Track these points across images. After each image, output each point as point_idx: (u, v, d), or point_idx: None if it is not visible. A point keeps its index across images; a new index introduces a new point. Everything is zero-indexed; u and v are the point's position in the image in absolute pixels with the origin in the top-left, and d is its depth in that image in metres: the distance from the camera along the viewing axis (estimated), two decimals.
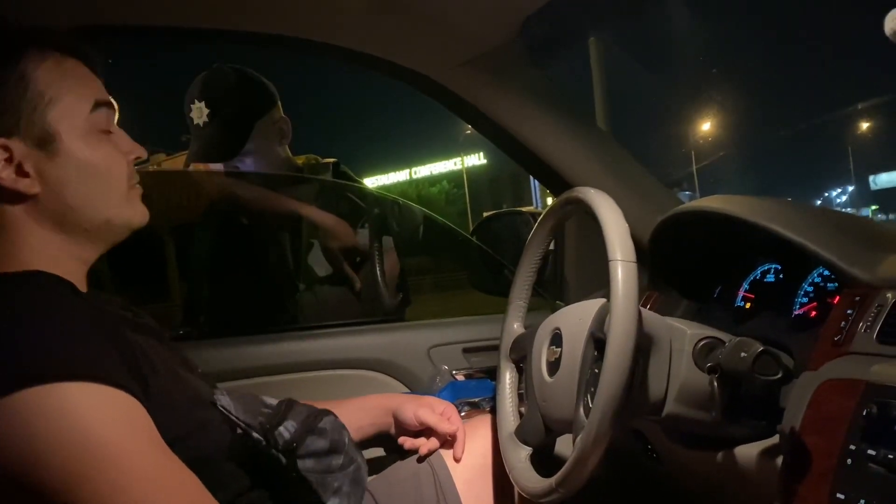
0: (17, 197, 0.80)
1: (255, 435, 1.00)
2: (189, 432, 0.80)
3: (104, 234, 0.87)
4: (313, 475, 1.01)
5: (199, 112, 1.65)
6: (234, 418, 1.01)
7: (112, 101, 0.87)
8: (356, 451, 1.08)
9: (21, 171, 0.79)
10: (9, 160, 0.78)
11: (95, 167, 0.84)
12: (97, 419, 0.67)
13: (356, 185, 1.91)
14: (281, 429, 1.01)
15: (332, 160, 1.86)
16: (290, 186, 1.79)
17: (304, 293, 1.77)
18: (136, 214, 0.89)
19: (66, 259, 0.84)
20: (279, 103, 1.74)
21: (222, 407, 1.00)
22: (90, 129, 0.84)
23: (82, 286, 0.86)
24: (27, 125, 0.79)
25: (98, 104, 0.84)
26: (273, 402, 1.06)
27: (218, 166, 1.72)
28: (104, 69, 0.89)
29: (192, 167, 1.71)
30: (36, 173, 0.80)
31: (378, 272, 1.73)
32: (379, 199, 1.88)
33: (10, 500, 0.66)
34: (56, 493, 0.64)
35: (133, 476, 0.67)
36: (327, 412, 1.07)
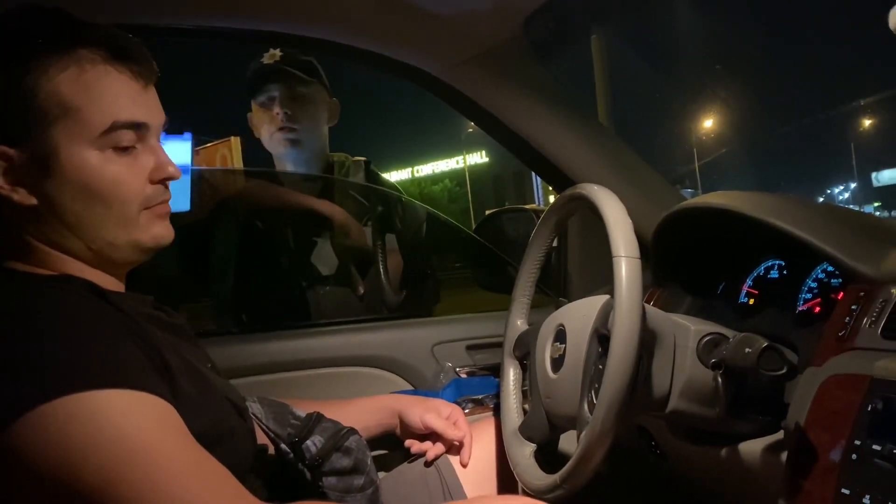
0: (17, 206, 0.77)
1: (283, 446, 1.00)
2: (218, 437, 0.80)
3: (113, 253, 0.82)
4: (334, 493, 1.02)
5: (271, 56, 1.71)
6: (264, 427, 1.01)
7: (140, 120, 0.81)
8: (376, 473, 1.09)
9: (18, 181, 0.76)
10: (8, 169, 0.76)
11: (95, 190, 0.78)
12: (129, 421, 0.67)
13: (386, 186, 1.92)
14: (308, 442, 1.02)
15: (362, 159, 1.87)
16: (309, 183, 1.80)
17: (320, 291, 1.77)
18: (147, 237, 0.83)
19: (90, 265, 0.82)
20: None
21: (253, 415, 1.00)
22: (102, 147, 0.78)
23: (118, 286, 0.85)
24: (29, 137, 0.75)
25: (117, 126, 0.78)
26: (301, 414, 1.07)
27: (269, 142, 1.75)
28: (154, 73, 0.83)
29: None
30: (31, 186, 0.76)
31: (382, 270, 1.73)
32: (401, 199, 1.89)
33: None
34: (96, 495, 0.65)
35: (169, 472, 0.67)
36: (353, 431, 1.07)
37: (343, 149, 1.89)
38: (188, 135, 1.25)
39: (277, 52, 1.71)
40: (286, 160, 1.77)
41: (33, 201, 0.77)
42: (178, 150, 1.24)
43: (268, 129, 1.74)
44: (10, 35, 0.77)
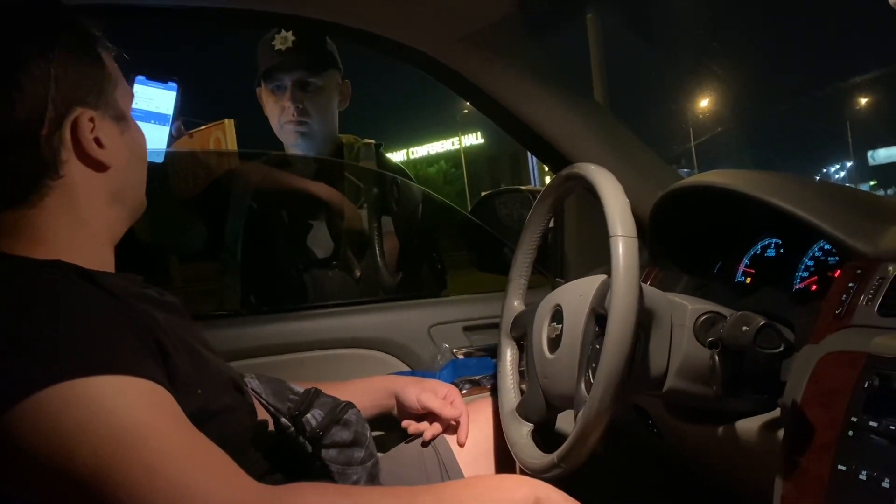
0: (90, 170, 0.82)
1: (284, 420, 1.01)
2: (216, 412, 0.80)
3: (136, 213, 0.91)
4: (335, 466, 1.02)
5: (283, 40, 1.67)
6: (263, 402, 1.01)
7: None
8: (374, 447, 1.09)
9: (100, 144, 0.82)
10: (94, 130, 0.82)
11: (144, 150, 0.92)
12: (122, 406, 0.67)
13: (394, 170, 1.91)
14: (308, 416, 1.02)
15: (371, 141, 1.86)
16: (312, 166, 1.79)
17: (317, 274, 1.77)
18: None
19: (106, 237, 0.86)
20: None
21: (252, 390, 1.00)
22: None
23: (111, 266, 0.87)
24: (106, 102, 0.84)
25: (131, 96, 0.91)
26: (300, 389, 1.07)
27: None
28: None
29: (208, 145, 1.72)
30: (110, 147, 0.83)
31: (379, 253, 1.73)
32: (407, 183, 1.88)
33: (45, 495, 0.66)
34: (90, 480, 0.64)
35: (164, 454, 0.67)
36: (351, 405, 1.08)
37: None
38: (173, 84, 1.20)
39: (290, 36, 1.66)
40: (296, 149, 1.76)
41: (112, 162, 0.84)
42: (162, 98, 1.21)
43: (277, 117, 1.73)
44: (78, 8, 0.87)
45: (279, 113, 1.72)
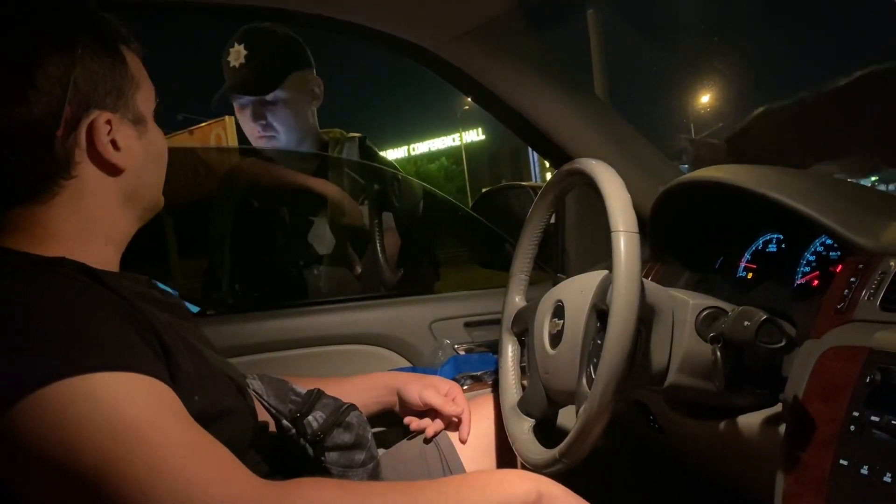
0: (103, 172, 0.82)
1: (285, 422, 1.01)
2: (217, 414, 0.80)
3: (150, 213, 0.91)
4: (336, 468, 1.03)
5: (236, 55, 1.65)
6: (265, 404, 1.02)
7: None
8: (375, 449, 1.09)
9: (116, 146, 0.82)
10: (110, 133, 0.81)
11: (162, 151, 0.91)
12: (125, 402, 0.67)
13: (382, 163, 1.90)
14: (310, 418, 1.02)
15: (357, 135, 1.84)
16: (305, 161, 1.78)
17: (316, 270, 1.77)
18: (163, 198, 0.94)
19: (113, 237, 0.86)
20: (314, 69, 1.75)
21: (254, 392, 1.00)
22: (153, 116, 0.90)
23: (115, 265, 0.87)
24: (125, 105, 0.83)
25: (156, 98, 0.91)
26: (302, 390, 1.07)
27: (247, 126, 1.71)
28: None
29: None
30: (126, 150, 0.83)
31: (380, 248, 1.73)
32: (397, 176, 1.87)
33: (49, 491, 0.67)
34: (93, 475, 0.65)
35: (166, 449, 0.67)
36: (354, 406, 1.08)
37: (339, 128, 1.86)
38: None
39: (243, 52, 1.63)
40: None
41: (127, 163, 0.83)
42: None
43: (248, 130, 1.72)
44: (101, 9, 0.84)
45: (247, 126, 1.71)
